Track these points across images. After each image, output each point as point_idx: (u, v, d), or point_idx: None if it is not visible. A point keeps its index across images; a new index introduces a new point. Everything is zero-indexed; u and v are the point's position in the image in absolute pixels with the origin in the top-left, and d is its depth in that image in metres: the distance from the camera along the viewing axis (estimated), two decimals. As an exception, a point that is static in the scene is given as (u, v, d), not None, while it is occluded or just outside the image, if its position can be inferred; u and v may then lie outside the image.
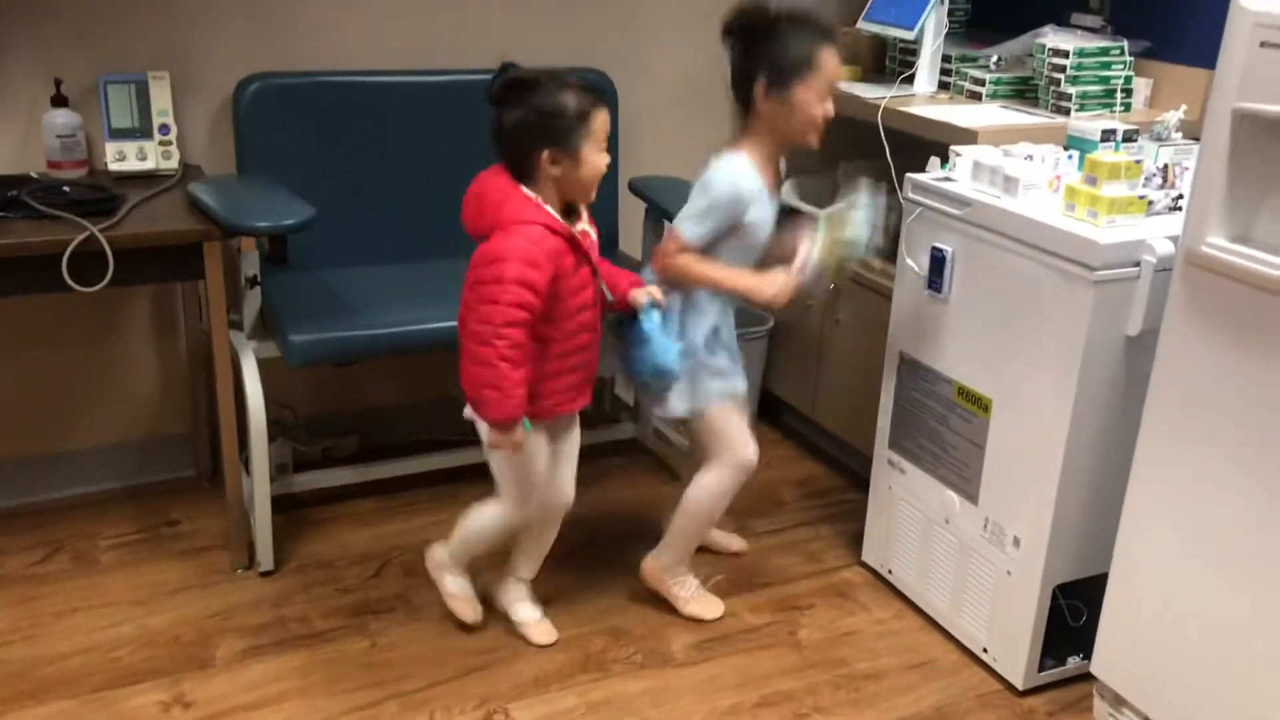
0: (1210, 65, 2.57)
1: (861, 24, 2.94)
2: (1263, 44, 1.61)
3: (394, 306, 2.51)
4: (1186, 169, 2.18)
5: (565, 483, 2.25)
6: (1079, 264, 1.95)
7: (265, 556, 2.48)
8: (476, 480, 2.86)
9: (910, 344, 2.37)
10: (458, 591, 2.33)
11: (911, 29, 2.77)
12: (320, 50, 2.74)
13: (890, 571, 2.53)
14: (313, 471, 2.75)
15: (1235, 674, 1.79)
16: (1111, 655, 2.02)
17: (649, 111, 3.14)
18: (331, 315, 2.43)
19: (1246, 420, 1.73)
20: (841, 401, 2.96)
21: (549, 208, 1.97)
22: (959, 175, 2.25)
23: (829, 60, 2.10)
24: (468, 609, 2.33)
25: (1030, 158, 2.22)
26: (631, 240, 3.06)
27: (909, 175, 2.32)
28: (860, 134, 2.95)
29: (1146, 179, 2.12)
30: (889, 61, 3.09)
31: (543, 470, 2.16)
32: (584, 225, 2.06)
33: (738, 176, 2.12)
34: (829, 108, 2.12)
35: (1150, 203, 2.04)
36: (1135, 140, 2.29)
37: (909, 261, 2.32)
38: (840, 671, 2.27)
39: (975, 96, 2.77)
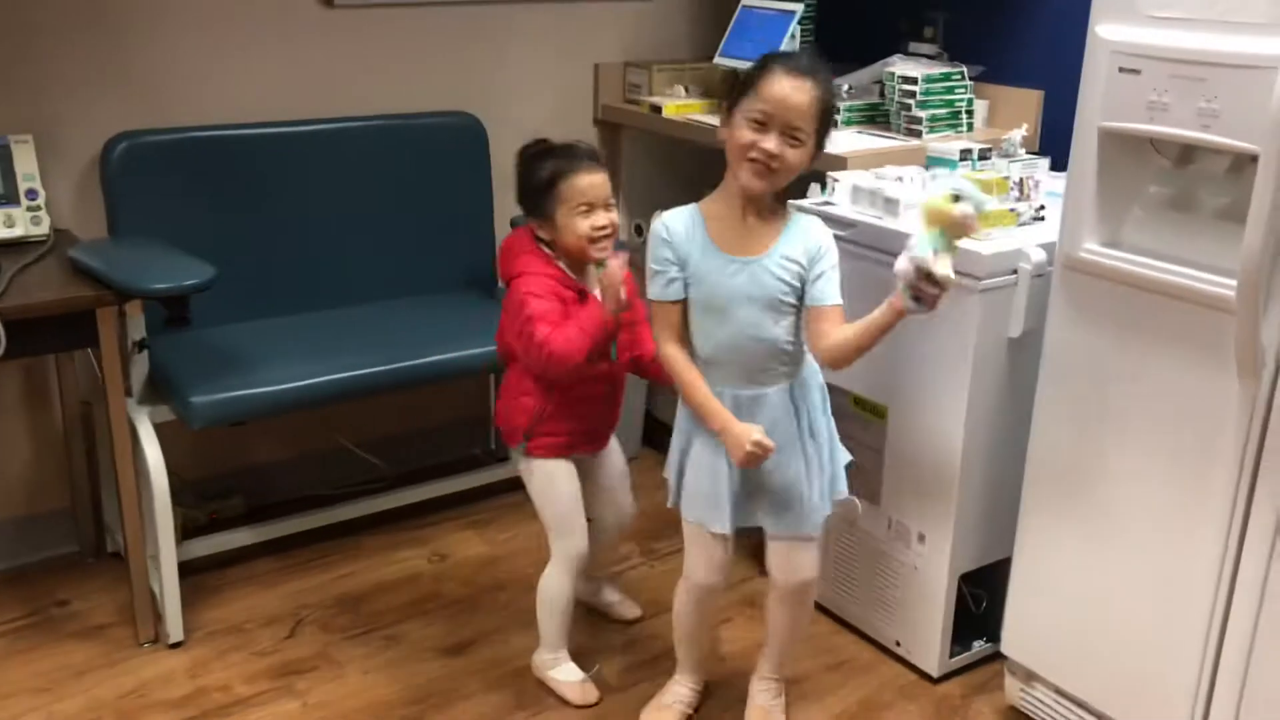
0: (1038, 86, 2.84)
1: (718, 59, 3.07)
2: (1120, 69, 1.80)
3: (291, 360, 2.48)
4: (1039, 181, 2.39)
5: (621, 505, 2.39)
6: (964, 275, 2.11)
7: (174, 627, 2.41)
8: (378, 530, 2.87)
9: (804, 360, 2.49)
10: (563, 677, 2.29)
11: (769, 63, 2.92)
12: (188, 105, 2.69)
13: (797, 579, 2.64)
14: (208, 536, 2.68)
15: (1135, 639, 1.97)
16: (1019, 634, 2.18)
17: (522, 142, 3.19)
18: (230, 374, 2.39)
19: (1129, 406, 1.91)
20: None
21: (561, 263, 2.14)
22: (839, 199, 2.40)
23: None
24: (576, 693, 2.27)
25: (900, 179, 2.39)
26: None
27: (792, 202, 2.44)
28: (722, 163, 3.08)
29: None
30: (743, 94, 3.23)
31: (572, 497, 2.22)
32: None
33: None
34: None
35: (1019, 215, 2.22)
36: (989, 158, 2.50)
37: (798, 282, 2.45)
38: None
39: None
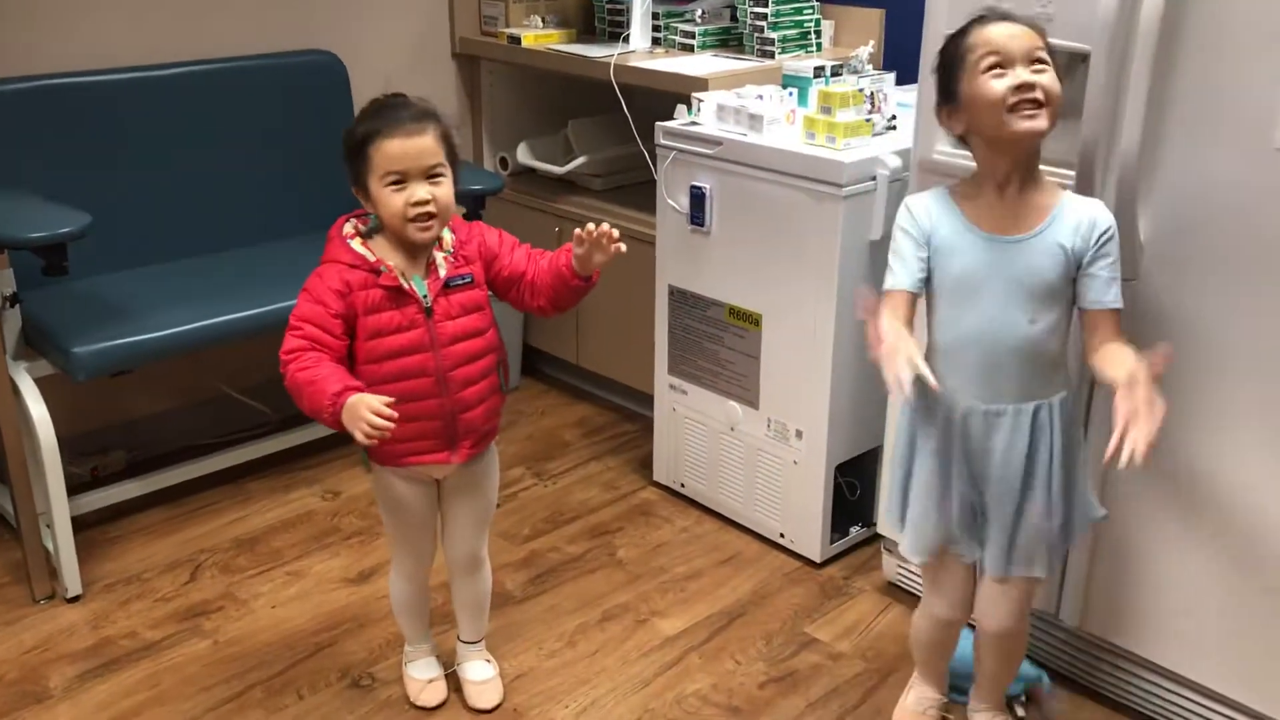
0: (879, 5, 2.98)
1: (573, -11, 3.13)
2: (962, -19, 1.94)
3: (172, 307, 2.46)
4: (888, 94, 2.53)
5: (469, 548, 2.04)
6: (828, 184, 2.25)
7: (72, 582, 2.39)
8: (267, 473, 2.88)
9: (679, 277, 2.61)
10: (411, 673, 2.14)
11: (625, -10, 2.99)
12: (42, 53, 2.61)
13: (683, 485, 2.78)
14: (97, 490, 2.64)
15: (998, 506, 2.16)
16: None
17: (381, 86, 3.17)
18: (110, 323, 2.36)
19: (983, 295, 2.08)
20: (605, 344, 3.16)
21: (356, 243, 1.81)
22: (704, 119, 2.50)
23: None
24: (414, 689, 2.12)
25: (761, 97, 2.51)
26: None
27: (660, 124, 2.54)
28: (584, 92, 3.16)
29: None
30: (598, 23, 3.29)
31: (409, 519, 1.98)
32: (442, 261, 1.84)
33: None
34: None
35: (873, 125, 2.37)
36: (841, 74, 2.63)
37: (670, 201, 2.56)
38: (663, 578, 2.49)
39: (688, 49, 3.03)
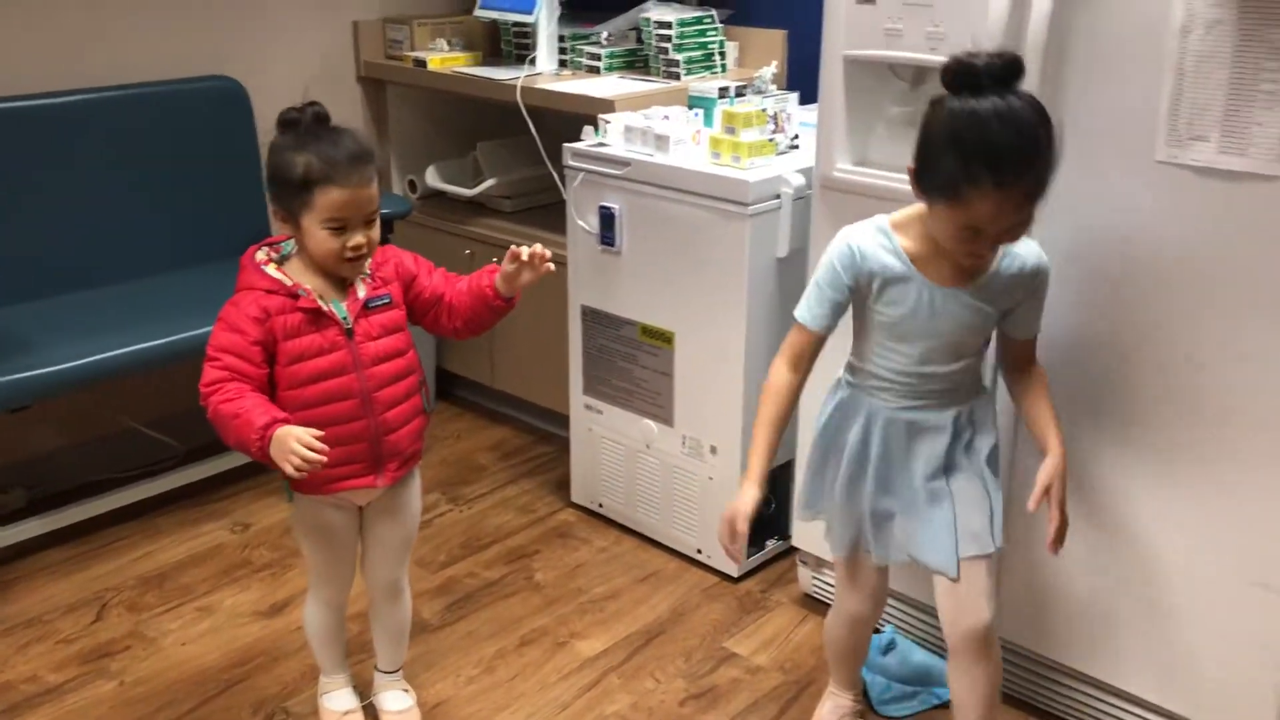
0: (781, 26, 3.03)
1: (479, 11, 3.13)
2: (857, 1, 1.98)
3: (72, 339, 2.41)
4: (790, 114, 2.58)
5: (389, 577, 2.02)
6: (734, 202, 2.28)
7: (-33, 626, 2.31)
8: (175, 507, 2.82)
9: (591, 297, 2.62)
10: (328, 704, 2.10)
11: (530, 13, 3.00)
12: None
13: (600, 505, 2.78)
14: (-7, 531, 2.56)
15: (908, 515, 2.20)
16: (807, 527, 2.38)
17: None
18: (8, 356, 2.30)
19: (887, 309, 2.12)
20: (520, 365, 3.16)
21: (272, 269, 1.78)
22: (612, 140, 2.51)
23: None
24: None
25: (667, 118, 2.53)
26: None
27: (567, 145, 2.55)
28: (492, 114, 3.16)
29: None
30: (505, 45, 3.30)
31: (332, 547, 1.94)
32: (362, 287, 1.82)
33: None
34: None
35: (777, 145, 2.40)
36: (745, 95, 2.67)
37: (579, 222, 2.56)
38: (582, 599, 2.49)
39: (594, 70, 3.05)
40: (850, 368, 1.81)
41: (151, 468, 2.87)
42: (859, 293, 1.70)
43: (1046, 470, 1.69)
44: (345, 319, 1.80)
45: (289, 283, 1.77)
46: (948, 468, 1.76)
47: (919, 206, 1.65)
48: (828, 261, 1.70)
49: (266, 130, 3.02)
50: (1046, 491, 1.68)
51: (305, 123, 1.74)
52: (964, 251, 1.59)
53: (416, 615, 2.42)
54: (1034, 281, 1.69)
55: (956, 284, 1.66)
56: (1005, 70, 1.50)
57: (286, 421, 1.68)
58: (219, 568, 2.61)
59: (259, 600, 2.49)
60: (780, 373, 1.75)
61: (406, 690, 2.14)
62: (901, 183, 1.99)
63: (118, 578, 2.56)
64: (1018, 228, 1.56)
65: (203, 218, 2.94)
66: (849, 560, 1.91)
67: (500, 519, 2.82)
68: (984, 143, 1.48)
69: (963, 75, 1.51)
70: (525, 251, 1.85)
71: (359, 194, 1.71)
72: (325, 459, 1.64)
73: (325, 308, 1.78)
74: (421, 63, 3.15)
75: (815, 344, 1.74)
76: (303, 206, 1.71)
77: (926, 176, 1.57)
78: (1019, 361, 1.78)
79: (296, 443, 1.63)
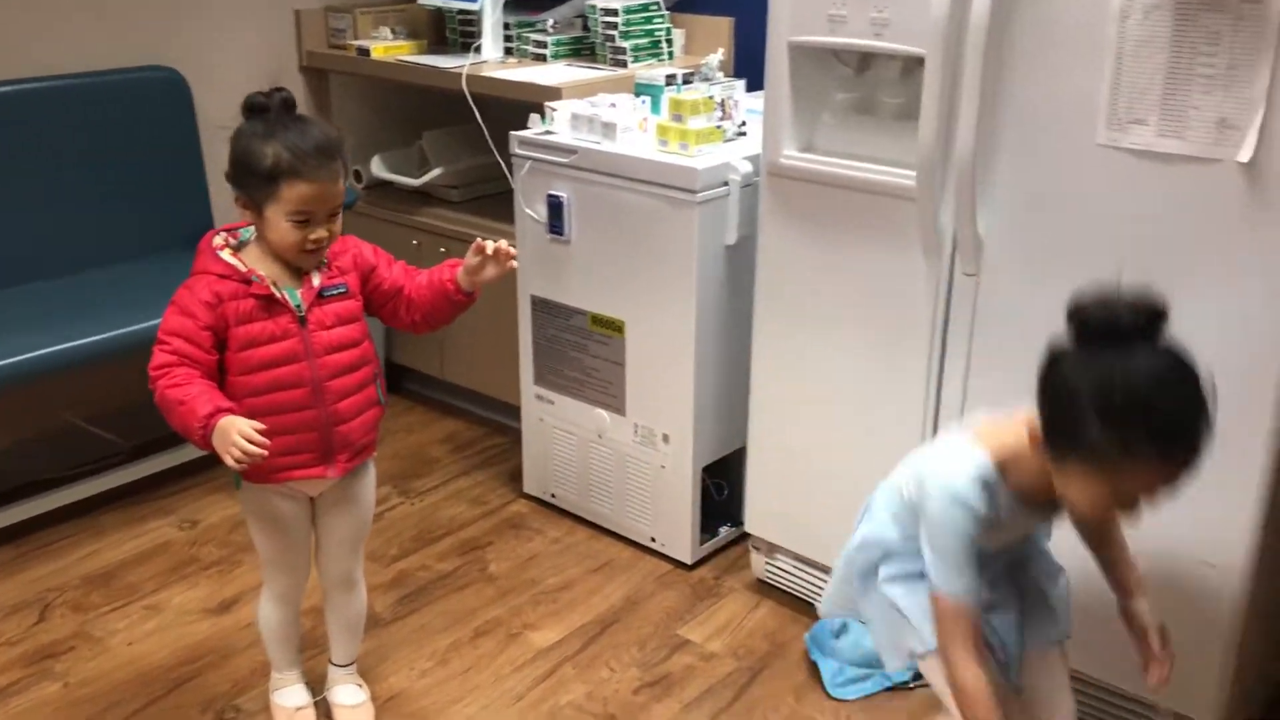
0: (727, 13, 3.03)
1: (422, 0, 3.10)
2: (802, -11, 1.99)
3: (7, 336, 2.36)
4: (738, 101, 2.57)
5: (342, 571, 2.01)
6: (682, 190, 2.27)
7: (-94, 631, 2.26)
8: (120, 505, 2.77)
9: (540, 286, 2.60)
10: (278, 701, 2.07)
11: (475, 0, 2.97)
12: None
13: (554, 495, 2.77)
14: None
15: (859, 502, 2.21)
16: (760, 512, 2.39)
17: (230, 103, 3.07)
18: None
19: (836, 294, 2.13)
20: (470, 357, 3.13)
21: (227, 254, 1.76)
22: (559, 128, 2.50)
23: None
24: (285, 719, 2.07)
25: (614, 105, 2.52)
26: (232, 235, 3.03)
27: (514, 133, 2.53)
28: (437, 103, 3.13)
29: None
30: (449, 33, 3.26)
31: (284, 539, 1.92)
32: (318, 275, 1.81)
33: None
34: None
35: (724, 132, 2.40)
36: (692, 82, 2.67)
37: (528, 211, 2.55)
38: (535, 590, 2.48)
39: (540, 58, 3.03)
40: None
41: (96, 465, 2.82)
42: None
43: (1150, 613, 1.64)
44: (299, 306, 1.78)
45: (243, 268, 1.76)
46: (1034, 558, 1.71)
47: (1018, 434, 1.49)
48: (952, 532, 1.49)
49: (208, 121, 3.00)
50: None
51: (274, 109, 1.73)
52: (1104, 517, 1.52)
53: (369, 609, 2.38)
54: None
55: (1050, 495, 1.49)
56: (1151, 320, 1.35)
57: (231, 411, 1.66)
58: (166, 565, 2.57)
59: (208, 597, 2.45)
60: (974, 671, 1.51)
61: (360, 685, 2.12)
62: (851, 169, 2.02)
63: (61, 578, 2.51)
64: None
65: (144, 210, 2.89)
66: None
67: (452, 511, 2.80)
68: (1147, 413, 1.32)
69: (1104, 328, 1.35)
70: (490, 245, 1.84)
71: (326, 188, 1.71)
72: (265, 453, 1.63)
73: (278, 295, 1.76)
74: (365, 52, 3.11)
75: (978, 614, 1.55)
76: (268, 197, 1.70)
77: (1062, 440, 1.41)
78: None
79: (238, 435, 1.62)
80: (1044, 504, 1.52)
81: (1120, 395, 1.33)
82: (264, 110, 1.73)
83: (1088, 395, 1.35)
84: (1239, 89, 1.59)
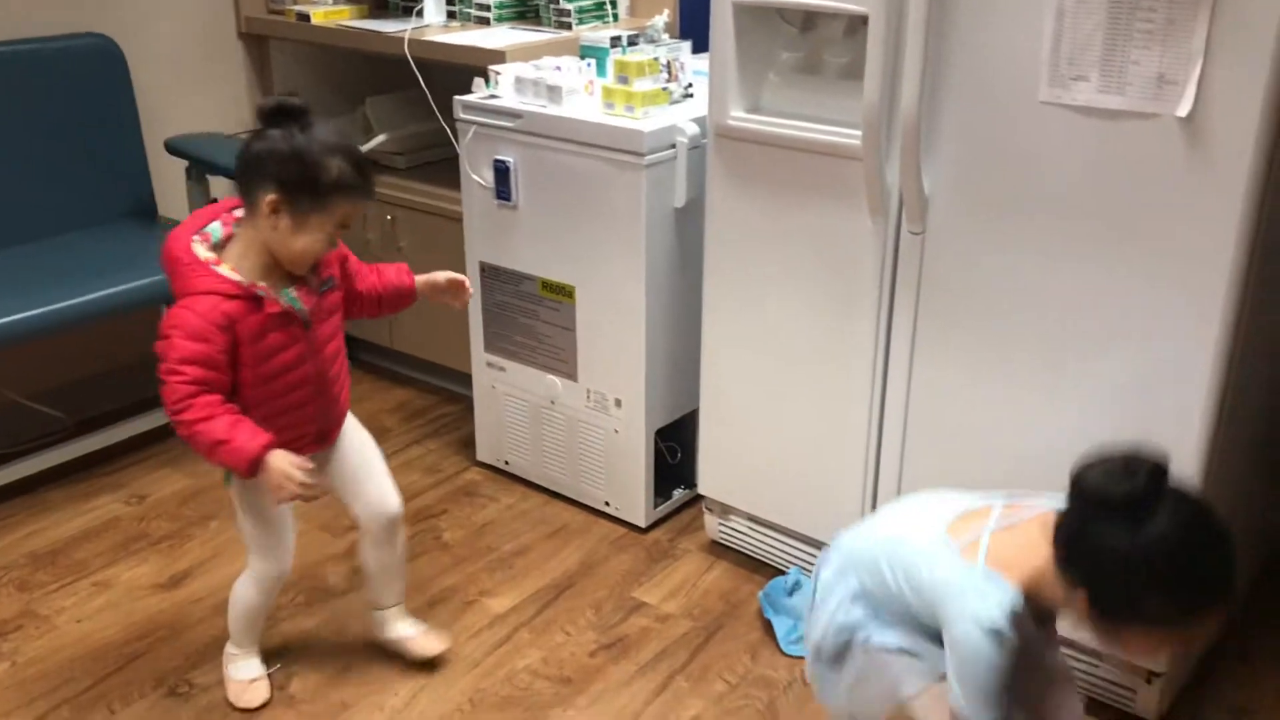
0: (673, -25, 3.00)
1: (363, -37, 3.04)
2: (745, -52, 1.98)
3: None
4: (684, 63, 2.56)
5: (380, 494, 2.03)
6: (630, 153, 2.26)
7: None
8: (66, 481, 2.73)
9: (488, 252, 2.59)
10: (234, 675, 2.07)
11: (416, -37, 2.93)
12: None
13: (507, 462, 2.77)
14: None
15: (810, 461, 2.23)
16: (713, 474, 2.40)
17: (167, 71, 3.04)
18: None
19: (785, 255, 2.13)
20: (419, 325, 3.11)
21: (226, 269, 1.73)
22: (503, 92, 2.47)
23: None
24: (234, 691, 2.06)
25: (559, 68, 2.50)
26: (172, 203, 2.97)
27: (458, 98, 2.50)
28: (380, 69, 3.09)
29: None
30: (391, -4, 3.22)
31: (279, 526, 1.97)
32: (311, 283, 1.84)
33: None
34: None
35: (671, 94, 2.39)
36: (637, 44, 2.65)
37: (474, 176, 2.52)
38: (491, 557, 2.48)
39: (484, 21, 2.99)
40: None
41: (39, 441, 2.77)
42: None
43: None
44: (302, 311, 1.81)
45: (245, 282, 1.74)
46: None
47: (1039, 554, 1.47)
48: (987, 667, 1.47)
49: (144, 89, 2.94)
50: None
51: (307, 116, 1.73)
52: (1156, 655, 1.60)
53: (322, 581, 2.40)
54: None
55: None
56: (1159, 483, 1.40)
57: (271, 443, 1.72)
58: (114, 541, 2.54)
59: (158, 573, 2.43)
60: None
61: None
62: (798, 129, 2.01)
63: (6, 556, 2.47)
64: None
65: (79, 182, 2.83)
66: None
67: (406, 480, 2.78)
68: (1198, 581, 1.40)
69: (1122, 502, 1.40)
70: (443, 277, 2.00)
71: (364, 209, 1.83)
72: (314, 482, 1.75)
73: (285, 305, 1.78)
74: (305, 17, 3.05)
75: None
76: (318, 209, 1.71)
77: (1117, 608, 1.43)
78: None
79: (289, 468, 1.71)
80: (1044, 611, 1.56)
81: (1167, 564, 1.38)
82: (301, 114, 1.72)
83: (1136, 570, 1.38)
84: (1177, 44, 1.61)
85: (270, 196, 1.70)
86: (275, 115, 1.72)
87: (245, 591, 2.02)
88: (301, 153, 1.70)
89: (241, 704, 2.04)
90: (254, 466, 1.70)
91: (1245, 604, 2.24)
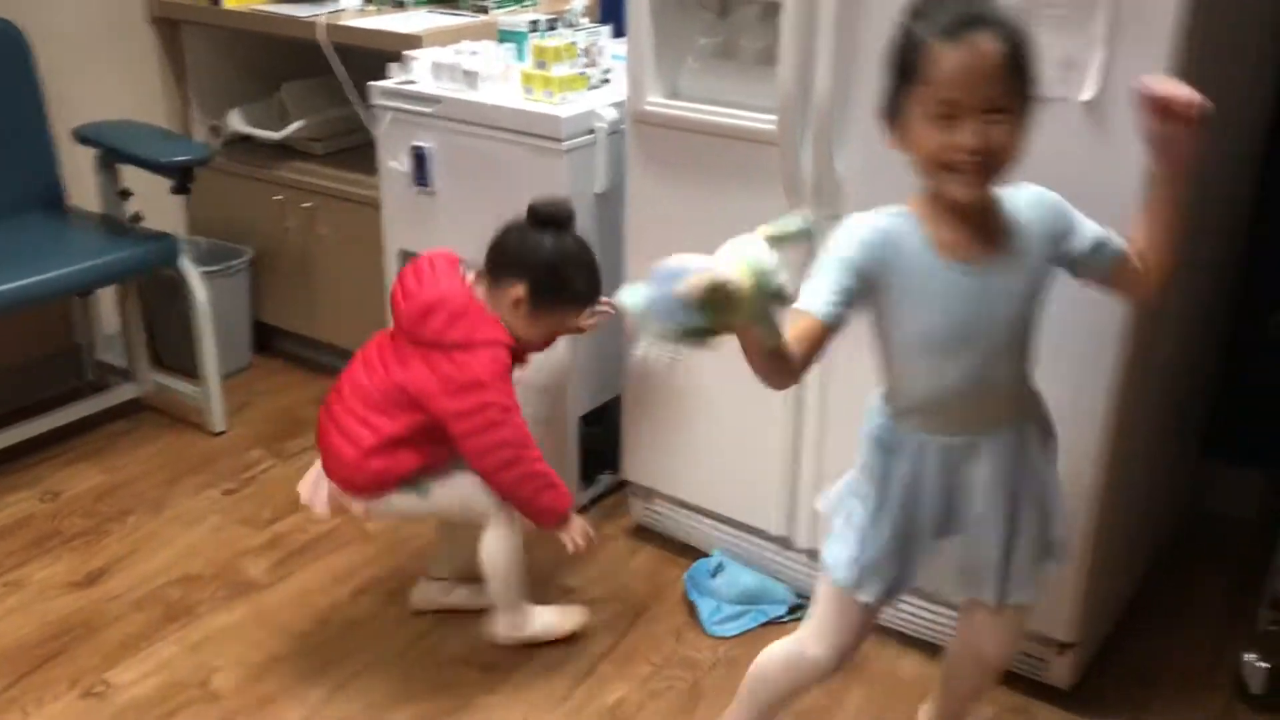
0: (594, -41, 2.99)
1: (275, -54, 2.99)
2: (659, -67, 1.98)
3: None
4: (603, 48, 2.56)
5: None
6: (548, 138, 2.26)
7: None
8: (44, 457, 2.71)
9: (407, 239, 2.56)
10: (542, 627, 2.16)
11: (330, -54, 2.88)
12: None
13: (431, 451, 2.74)
14: None
15: (732, 443, 2.25)
16: (636, 458, 2.41)
17: (74, 57, 2.96)
18: None
19: (703, 240, 2.12)
20: (338, 313, 3.07)
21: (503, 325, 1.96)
22: (420, 77, 2.45)
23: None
24: (566, 623, 2.18)
25: (476, 53, 2.48)
26: (80, 192, 2.90)
27: (374, 84, 2.48)
28: (296, 54, 3.04)
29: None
30: (306, -19, 3.16)
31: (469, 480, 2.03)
32: None
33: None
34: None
35: (589, 79, 2.38)
36: (556, 29, 2.64)
37: (392, 162, 2.50)
38: (415, 546, 2.47)
39: (400, 5, 2.95)
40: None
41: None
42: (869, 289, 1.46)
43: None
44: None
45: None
46: (1015, 494, 1.53)
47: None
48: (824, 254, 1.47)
49: (51, 75, 2.86)
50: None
51: (572, 224, 2.00)
52: (952, 161, 1.36)
53: (244, 574, 2.37)
54: (1057, 213, 1.50)
55: (988, 256, 1.42)
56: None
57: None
58: (28, 539, 2.48)
59: (73, 570, 2.38)
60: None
61: None
62: (715, 115, 2.02)
63: (-81, 555, 2.41)
64: (996, 111, 1.34)
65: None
66: (849, 600, 1.58)
67: (328, 471, 2.75)
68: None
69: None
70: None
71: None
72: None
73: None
74: (217, 1, 2.99)
75: (817, 333, 1.50)
76: (555, 311, 2.02)
77: (891, 86, 1.40)
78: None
79: (583, 525, 2.06)
80: (964, 259, 1.41)
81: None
82: (566, 224, 1.98)
83: (911, 53, 1.36)
84: (1081, 28, 1.64)
85: (519, 291, 1.94)
86: (546, 221, 1.96)
87: (499, 543, 2.05)
88: (557, 267, 1.96)
89: (569, 628, 2.17)
90: (570, 512, 2.02)
91: (1151, 577, 2.31)
